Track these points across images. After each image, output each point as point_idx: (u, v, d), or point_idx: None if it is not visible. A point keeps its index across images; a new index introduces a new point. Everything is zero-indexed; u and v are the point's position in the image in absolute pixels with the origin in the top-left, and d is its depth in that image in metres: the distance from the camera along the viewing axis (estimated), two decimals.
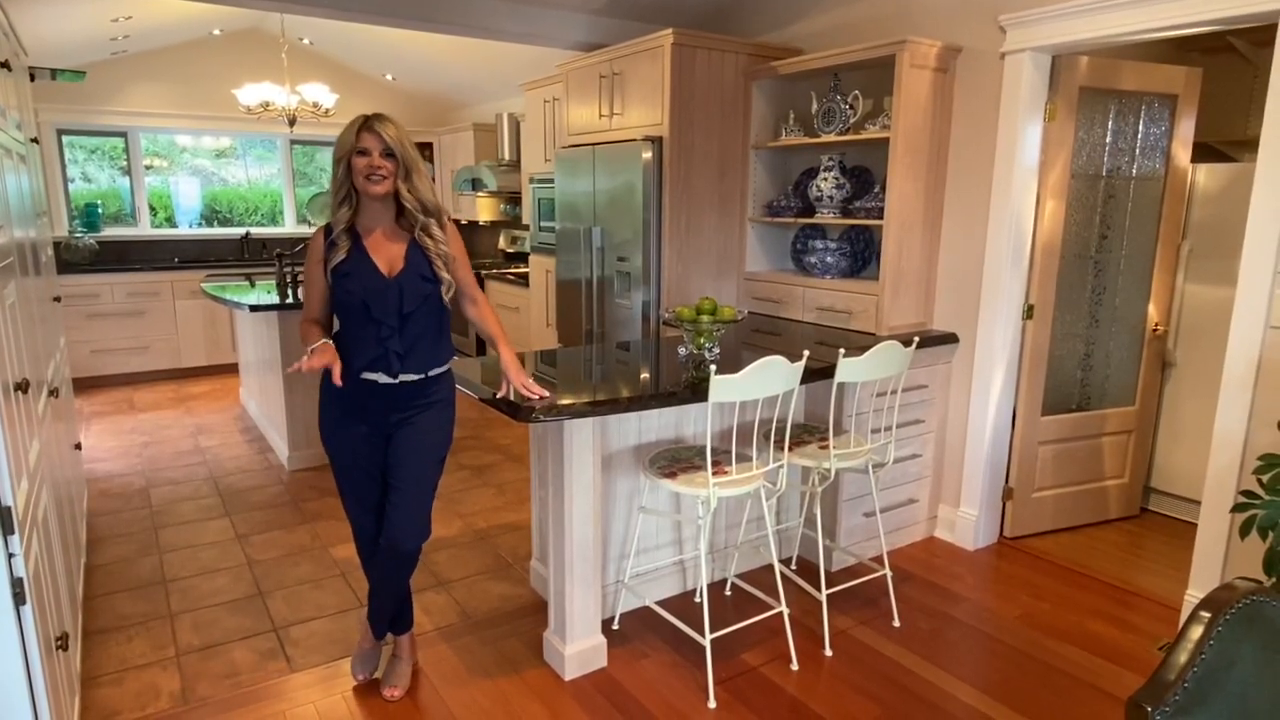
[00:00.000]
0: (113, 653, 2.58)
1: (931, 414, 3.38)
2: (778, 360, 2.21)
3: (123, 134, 6.70)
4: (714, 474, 2.30)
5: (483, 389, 2.34)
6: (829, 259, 3.53)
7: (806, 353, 2.33)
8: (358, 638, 2.57)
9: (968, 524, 3.38)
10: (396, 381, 2.13)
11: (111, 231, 6.63)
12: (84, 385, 6.07)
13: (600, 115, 4.05)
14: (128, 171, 6.80)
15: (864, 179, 3.61)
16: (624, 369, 2.74)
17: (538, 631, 2.69)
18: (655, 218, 3.74)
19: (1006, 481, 3.42)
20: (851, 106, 3.41)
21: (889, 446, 2.70)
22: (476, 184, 6.30)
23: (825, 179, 3.51)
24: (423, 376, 2.17)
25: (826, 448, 2.66)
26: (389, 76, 7.11)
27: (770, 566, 3.06)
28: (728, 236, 3.91)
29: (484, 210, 6.76)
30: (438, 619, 2.79)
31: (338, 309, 2.14)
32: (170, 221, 7.11)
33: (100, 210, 6.60)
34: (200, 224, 7.27)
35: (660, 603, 2.86)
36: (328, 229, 2.13)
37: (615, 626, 2.73)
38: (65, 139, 6.53)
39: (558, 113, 4.79)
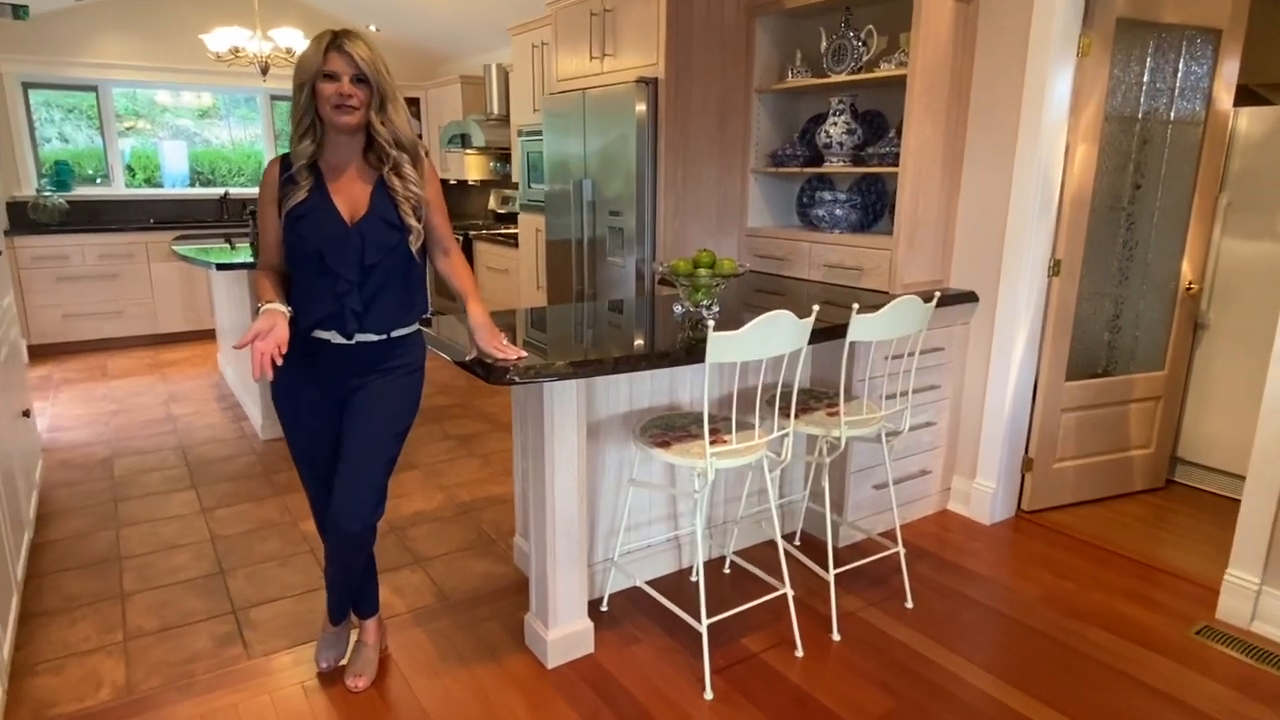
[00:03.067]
0: (55, 637, 2.36)
1: (947, 379, 3.13)
2: (784, 315, 1.96)
3: (93, 88, 6.36)
4: (712, 443, 2.06)
5: (454, 351, 2.09)
6: (838, 212, 3.26)
7: (816, 307, 2.07)
8: (323, 620, 2.35)
9: (984, 497, 3.15)
10: (352, 343, 1.88)
11: (83, 191, 6.33)
12: (55, 351, 5.83)
13: (591, 57, 3.75)
14: (100, 126, 6.48)
15: (877, 124, 3.33)
16: (615, 329, 2.49)
17: (520, 614, 2.47)
18: (650, 169, 3.46)
19: (1026, 452, 3.19)
20: (864, 43, 3.12)
21: (905, 413, 2.46)
22: (465, 140, 5.99)
23: (835, 124, 3.22)
24: (384, 338, 1.92)
25: (836, 414, 2.42)
26: (373, 27, 6.76)
27: (773, 543, 2.84)
28: (728, 190, 3.64)
29: (473, 169, 6.46)
30: (411, 600, 2.57)
31: (289, 255, 1.88)
32: (151, 183, 6.81)
33: (72, 170, 6.30)
34: (192, 186, 6.97)
35: (653, 582, 2.64)
36: (285, 161, 1.87)
37: (604, 608, 2.52)
38: (34, 94, 6.21)
39: (547, 59, 4.48)
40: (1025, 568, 2.81)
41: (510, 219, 6.29)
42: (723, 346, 1.91)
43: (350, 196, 1.86)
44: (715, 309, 2.53)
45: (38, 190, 5.95)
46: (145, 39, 6.28)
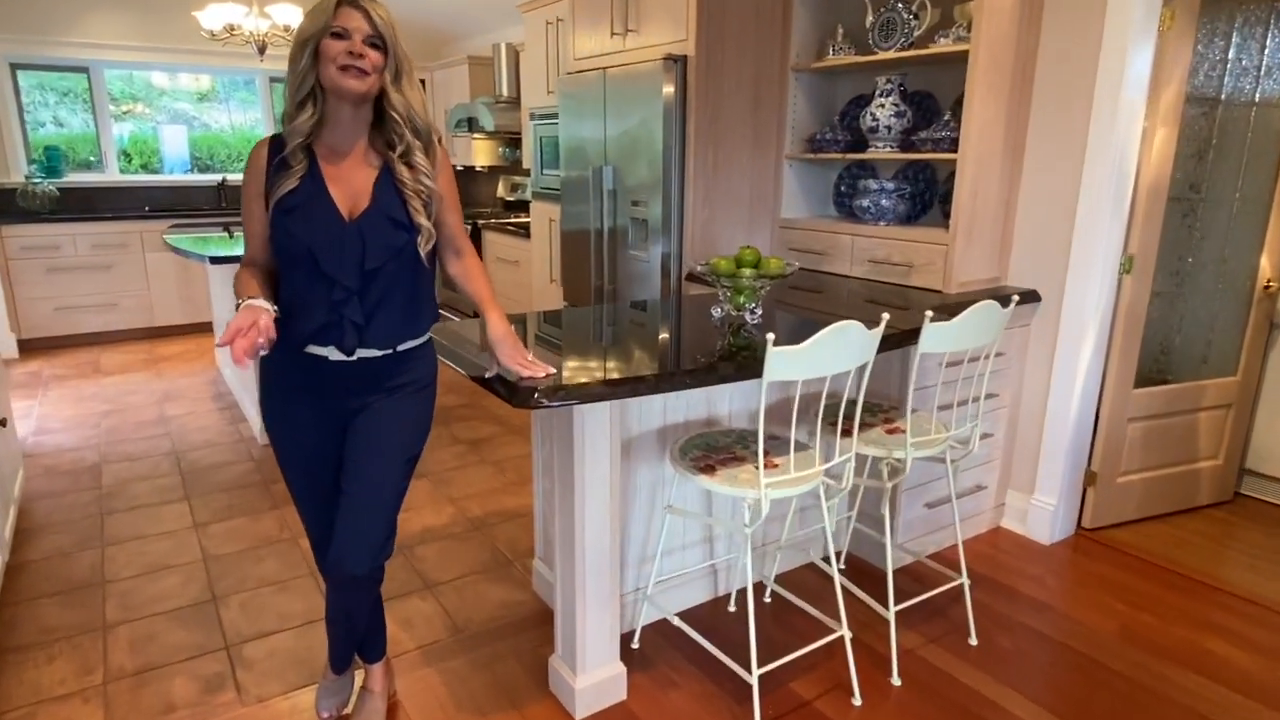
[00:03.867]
0: (27, 678, 2.12)
1: (1005, 386, 2.87)
2: (853, 327, 1.70)
3: (84, 69, 6.08)
4: (764, 468, 1.81)
5: (472, 364, 1.83)
6: (884, 202, 2.99)
7: (886, 316, 1.81)
8: (325, 660, 2.11)
9: (1043, 514, 2.89)
10: (353, 359, 1.62)
11: (75, 178, 6.06)
12: (46, 345, 5.59)
13: (612, 34, 3.46)
14: (93, 109, 6.20)
15: (927, 106, 3.04)
16: (644, 335, 2.23)
17: (542, 651, 2.23)
18: (677, 155, 3.18)
19: (1089, 465, 2.93)
20: (915, 16, 2.83)
21: (974, 431, 2.20)
22: (473, 124, 5.71)
23: (882, 105, 2.94)
24: (390, 352, 1.66)
25: (896, 431, 2.16)
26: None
27: (817, 563, 2.58)
28: (761, 177, 3.36)
29: (481, 154, 6.17)
30: (421, 633, 2.33)
31: (278, 255, 1.61)
32: (148, 168, 6.54)
33: (64, 155, 6.04)
34: (191, 172, 6.71)
35: (688, 613, 2.39)
36: (276, 142, 1.60)
37: (635, 645, 2.27)
38: (26, 76, 5.93)
39: (562, 36, 4.19)
40: (1095, 596, 2.56)
41: (520, 207, 6.02)
42: (783, 363, 1.65)
43: (349, 187, 1.60)
44: (758, 312, 2.27)
45: (27, 177, 5.69)
46: (138, 17, 5.99)
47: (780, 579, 2.60)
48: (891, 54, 2.86)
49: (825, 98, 3.39)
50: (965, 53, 2.59)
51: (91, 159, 6.26)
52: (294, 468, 1.72)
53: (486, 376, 1.71)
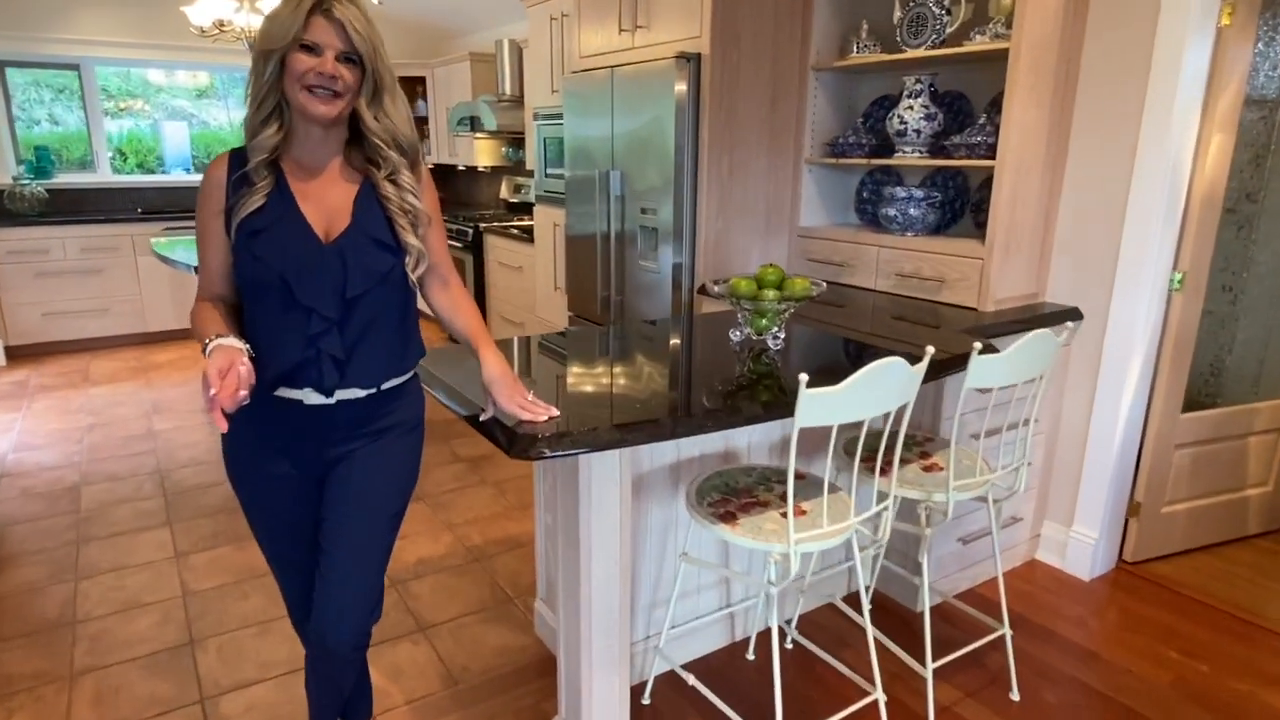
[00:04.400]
0: None
1: (1042, 410, 2.66)
2: (895, 365, 1.50)
3: (75, 66, 5.90)
4: (787, 515, 1.61)
5: (463, 399, 1.64)
6: (912, 211, 2.78)
7: (930, 350, 1.61)
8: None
9: (1083, 548, 2.69)
10: (333, 402, 1.43)
11: (66, 178, 5.88)
12: (35, 352, 5.41)
13: (620, 30, 3.26)
14: (84, 108, 6.02)
15: (958, 108, 2.84)
16: (656, 361, 2.03)
17: (544, 707, 2.04)
18: (690, 159, 2.98)
19: (1132, 495, 2.72)
20: (948, 11, 2.62)
21: (1020, 470, 1.99)
22: (474, 123, 5.51)
23: (911, 107, 2.73)
24: (374, 391, 1.47)
25: (933, 469, 1.97)
26: (375, 0, 6.26)
27: (841, 602, 2.39)
28: (778, 183, 3.16)
29: (483, 154, 5.97)
30: (412, 685, 2.14)
31: (244, 285, 1.42)
32: (144, 167, 6.36)
33: (54, 155, 5.86)
34: (190, 171, 6.53)
35: (704, 661, 2.20)
36: (237, 156, 1.41)
37: (646, 700, 2.08)
38: (21, 74, 5.75)
39: (567, 33, 3.99)
40: (1144, 642, 2.36)
41: (523, 209, 5.82)
42: (817, 407, 1.45)
43: (324, 205, 1.41)
44: (781, 337, 2.07)
45: (15, 178, 5.51)
46: (130, 13, 5.80)
47: (801, 621, 2.41)
48: (921, 52, 2.66)
49: (846, 98, 3.18)
50: (1004, 51, 2.39)
51: (87, 159, 6.09)
52: (264, 528, 1.53)
53: (481, 420, 1.52)
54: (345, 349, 1.40)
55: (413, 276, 1.45)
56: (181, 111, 6.63)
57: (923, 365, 1.59)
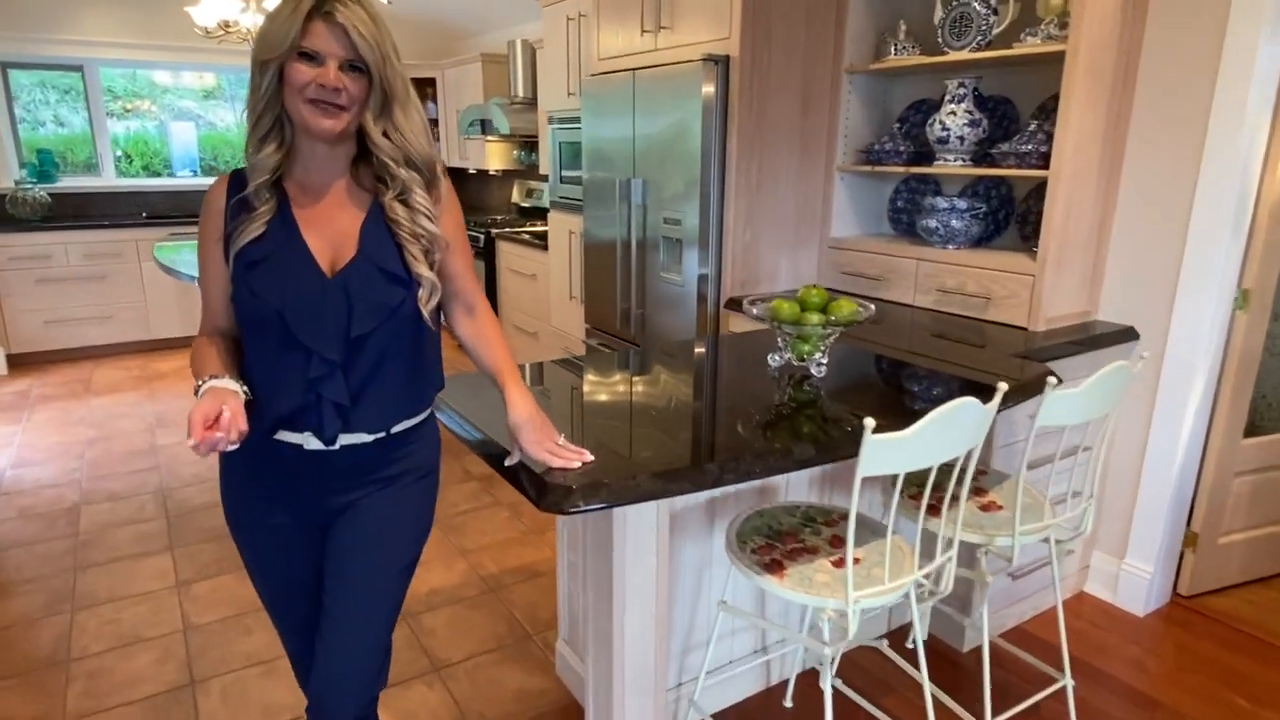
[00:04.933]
0: None
1: (1091, 435, 2.50)
2: (968, 407, 1.35)
3: (78, 67, 5.78)
4: (839, 564, 1.46)
5: (483, 436, 1.50)
6: (954, 223, 2.62)
7: (1003, 387, 1.46)
8: None
9: (1137, 581, 2.53)
10: (336, 448, 1.29)
11: (69, 182, 5.77)
12: (37, 360, 5.30)
13: (643, 31, 3.11)
14: (88, 111, 5.90)
15: (1002, 113, 2.68)
16: (689, 390, 1.88)
17: None
18: (717, 165, 2.83)
19: (1189, 525, 2.56)
20: (995, 11, 2.46)
21: (1087, 510, 1.84)
22: (486, 126, 5.37)
23: (953, 113, 2.58)
24: (382, 435, 1.32)
25: (991, 507, 1.81)
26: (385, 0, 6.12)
27: (883, 644, 2.23)
28: (809, 191, 3.00)
29: (494, 157, 5.83)
30: None
31: (241, 319, 1.28)
32: (149, 170, 6.24)
33: (58, 159, 5.75)
34: (197, 174, 6.41)
35: (740, 708, 2.05)
36: (237, 178, 1.27)
37: None
38: (25, 75, 5.63)
39: (585, 33, 3.84)
40: (1209, 686, 2.20)
41: (535, 213, 5.68)
42: (884, 454, 1.30)
43: (330, 231, 1.26)
44: (824, 364, 1.91)
45: (17, 182, 5.39)
46: (134, 13, 5.67)
47: (840, 661, 2.26)
48: (965, 54, 2.50)
49: (880, 102, 3.02)
50: (1057, 54, 2.24)
51: (92, 161, 5.97)
52: (263, 580, 1.39)
53: (507, 465, 1.37)
54: (350, 393, 1.25)
55: (425, 311, 1.30)
56: (188, 112, 6.51)
57: (994, 404, 1.43)
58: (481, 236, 5.33)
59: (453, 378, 1.68)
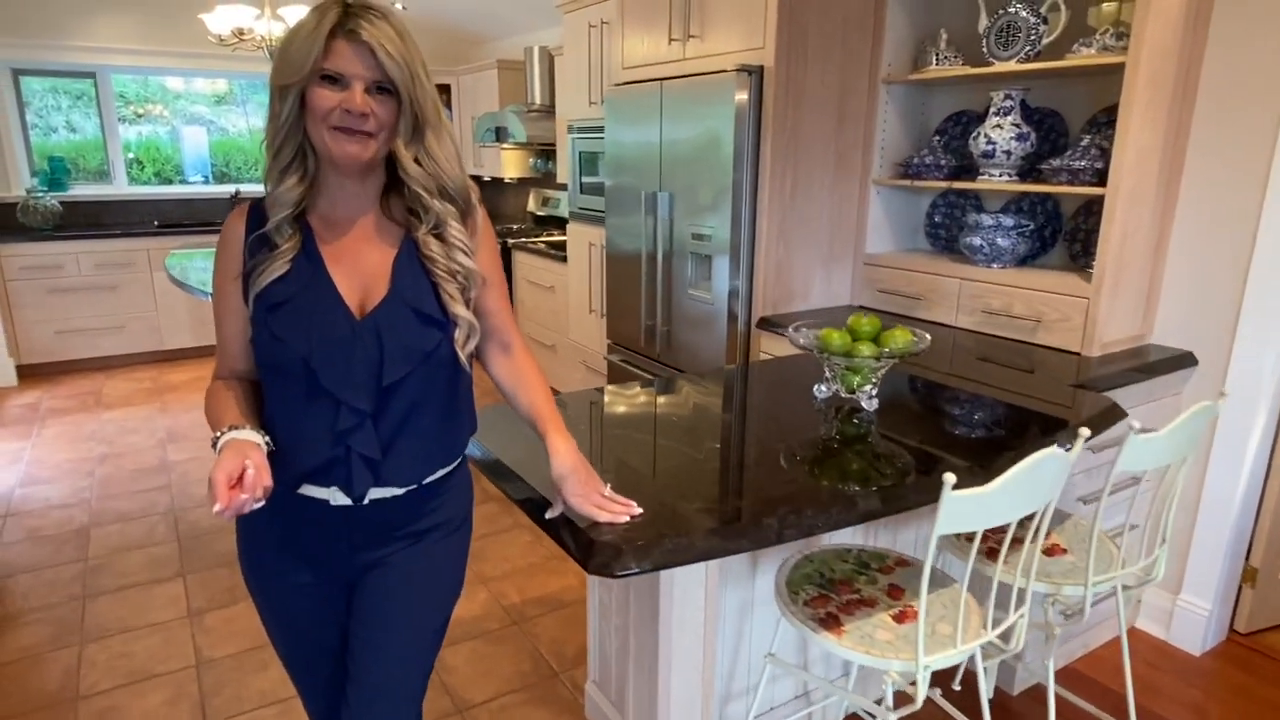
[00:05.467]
0: None
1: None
2: (1051, 459, 1.23)
3: (91, 74, 5.72)
4: (899, 618, 1.35)
5: (516, 480, 1.40)
6: (1000, 241, 2.51)
7: (1085, 432, 1.34)
8: None
9: (1194, 619, 2.40)
10: (365, 503, 1.18)
11: (80, 190, 5.70)
12: (48, 371, 5.22)
13: (670, 40, 3.01)
14: (100, 117, 5.84)
15: (1049, 126, 2.56)
16: (726, 425, 1.78)
17: None
18: (749, 179, 2.72)
19: (1247, 559, 2.44)
20: (1044, 20, 2.35)
21: (1160, 555, 1.72)
22: (501, 134, 5.28)
23: (999, 126, 2.46)
24: (414, 488, 1.22)
25: (1055, 551, 1.70)
26: (399, 5, 6.03)
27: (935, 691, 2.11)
28: (844, 205, 2.89)
29: (510, 165, 5.74)
30: None
31: (262, 368, 1.18)
32: (161, 176, 6.17)
33: (70, 165, 5.69)
34: (209, 181, 6.34)
35: None
36: (255, 212, 1.17)
37: None
38: (38, 81, 5.57)
39: (608, 41, 3.74)
40: None
41: (552, 222, 5.58)
42: (964, 511, 1.19)
43: (358, 269, 1.16)
44: (875, 398, 1.80)
45: (28, 190, 5.33)
46: (146, 19, 5.61)
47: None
48: (1013, 65, 2.38)
49: (917, 114, 2.91)
50: (1114, 65, 2.12)
51: (104, 168, 5.90)
52: (284, 642, 1.29)
53: (548, 518, 1.27)
54: (381, 444, 1.15)
55: (463, 354, 1.20)
56: (200, 118, 6.45)
57: (1075, 451, 1.32)
58: (498, 246, 5.23)
59: (483, 409, 1.57)
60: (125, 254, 5.33)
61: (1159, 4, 2.03)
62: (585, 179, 4.11)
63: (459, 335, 1.19)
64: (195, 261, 4.09)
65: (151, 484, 3.57)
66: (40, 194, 5.32)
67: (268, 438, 1.13)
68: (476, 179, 6.24)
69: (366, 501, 1.18)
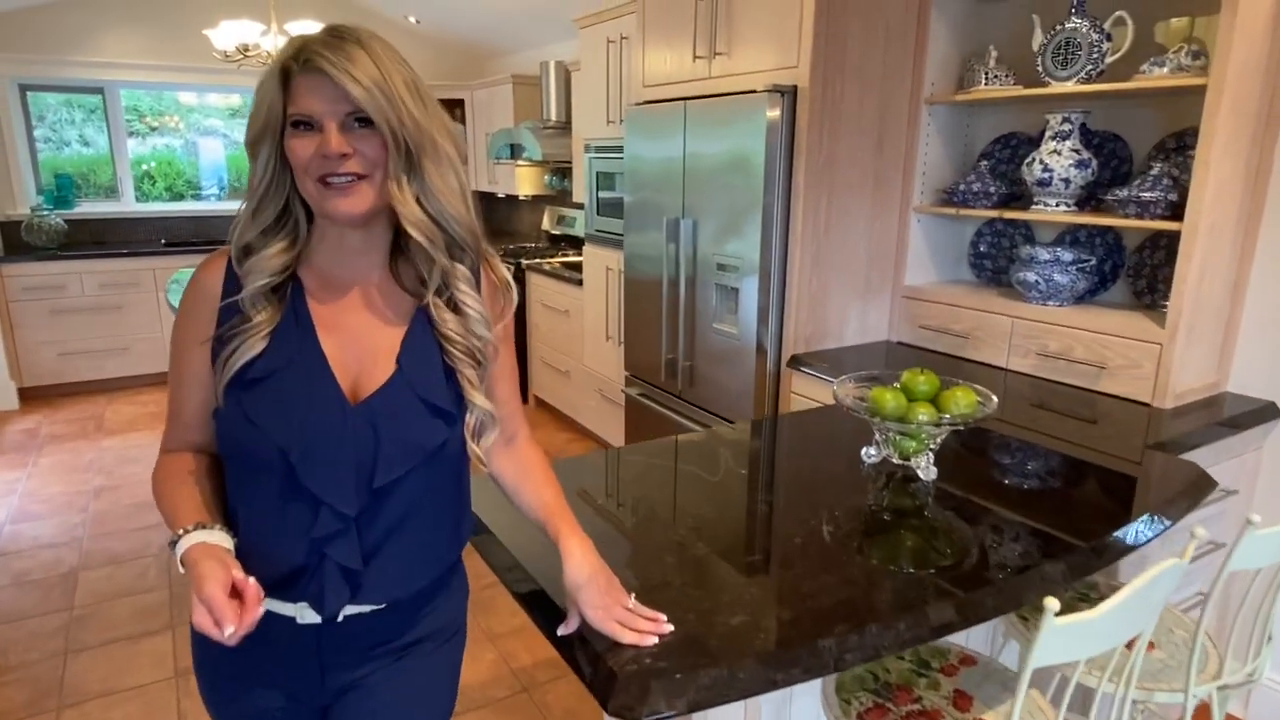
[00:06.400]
0: None
1: (1223, 528, 2.15)
2: (1167, 576, 1.02)
3: (99, 90, 5.61)
4: None
5: (520, 573, 1.20)
6: (1058, 277, 2.29)
7: (1201, 533, 1.13)
8: None
9: (1274, 697, 2.17)
10: (339, 620, 0.99)
11: (87, 208, 5.59)
12: (50, 394, 5.09)
13: (695, 57, 2.82)
14: (109, 134, 5.73)
15: (1110, 151, 2.35)
16: (760, 499, 1.57)
17: None
18: (781, 205, 2.53)
19: None
20: (1107, 37, 2.14)
21: (1264, 654, 1.50)
22: (515, 150, 5.11)
23: (1057, 151, 2.25)
24: (403, 597, 1.03)
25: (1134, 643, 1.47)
26: (412, 19, 5.90)
27: None
28: (882, 234, 2.68)
29: (524, 182, 5.57)
30: None
31: (227, 452, 0.99)
32: (173, 192, 6.05)
33: (80, 181, 5.58)
34: (223, 196, 6.23)
35: None
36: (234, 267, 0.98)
37: None
38: (51, 94, 5.47)
39: (628, 56, 3.56)
40: None
41: (567, 241, 5.41)
42: (1065, 643, 0.98)
43: (357, 341, 0.98)
44: (933, 467, 1.59)
45: (34, 208, 5.21)
46: (155, 34, 5.50)
47: None
48: (1072, 86, 2.17)
49: (961, 136, 2.70)
50: (1192, 87, 1.91)
51: (113, 185, 5.79)
52: None
53: (561, 634, 1.07)
54: (364, 553, 0.96)
55: (475, 449, 1.01)
56: (215, 131, 6.34)
57: (1185, 559, 1.11)
58: (512, 266, 5.06)
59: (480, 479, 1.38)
60: (131, 273, 5.20)
61: (1244, 21, 1.82)
62: (602, 197, 3.93)
63: (469, 424, 1.00)
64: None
65: (146, 520, 3.40)
66: (46, 212, 5.20)
67: (230, 534, 0.94)
68: (490, 195, 6.08)
69: (341, 619, 0.99)
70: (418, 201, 0.93)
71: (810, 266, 2.57)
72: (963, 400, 1.52)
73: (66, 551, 3.14)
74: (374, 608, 1.01)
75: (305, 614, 0.98)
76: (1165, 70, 2.02)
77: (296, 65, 0.86)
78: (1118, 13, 2.11)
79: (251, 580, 0.85)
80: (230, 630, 0.80)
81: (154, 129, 6.14)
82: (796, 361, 2.57)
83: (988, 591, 1.17)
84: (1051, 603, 0.95)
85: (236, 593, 0.84)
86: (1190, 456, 1.81)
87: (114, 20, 5.37)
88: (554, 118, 4.84)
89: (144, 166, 5.93)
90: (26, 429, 4.54)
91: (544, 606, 1.15)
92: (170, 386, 1.04)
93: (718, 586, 1.18)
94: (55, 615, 2.71)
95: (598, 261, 3.96)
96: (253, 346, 0.93)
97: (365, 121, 0.89)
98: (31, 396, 5.03)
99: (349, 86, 0.86)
